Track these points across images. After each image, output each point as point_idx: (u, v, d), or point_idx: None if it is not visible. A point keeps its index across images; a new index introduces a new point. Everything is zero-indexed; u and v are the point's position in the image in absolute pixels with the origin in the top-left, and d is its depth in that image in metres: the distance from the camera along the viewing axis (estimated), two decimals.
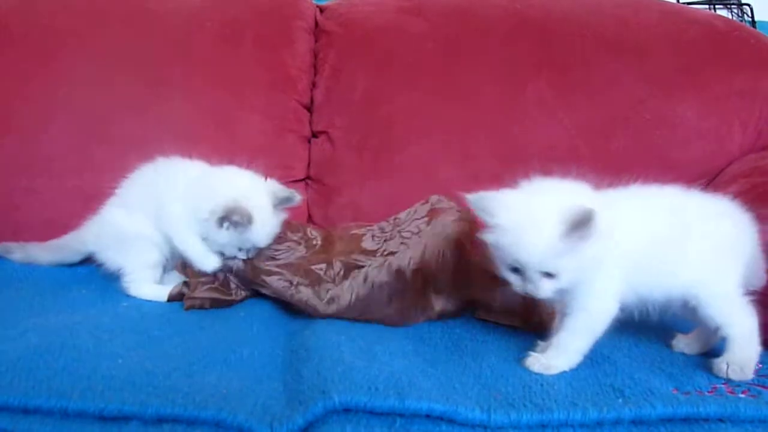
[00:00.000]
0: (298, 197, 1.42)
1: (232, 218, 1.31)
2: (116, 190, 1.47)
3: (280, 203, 1.40)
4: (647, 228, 1.09)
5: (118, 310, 1.28)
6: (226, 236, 1.34)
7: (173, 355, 1.06)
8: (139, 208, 1.42)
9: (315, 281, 1.32)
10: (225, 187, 1.37)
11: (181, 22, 1.82)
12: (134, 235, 1.40)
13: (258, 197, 1.37)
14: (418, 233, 1.35)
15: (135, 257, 1.40)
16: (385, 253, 1.35)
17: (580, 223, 0.99)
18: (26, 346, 1.04)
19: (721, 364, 1.07)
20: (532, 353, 1.09)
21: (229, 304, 1.35)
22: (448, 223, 1.34)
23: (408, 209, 1.46)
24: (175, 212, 1.38)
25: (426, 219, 1.38)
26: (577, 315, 1.07)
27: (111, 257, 1.42)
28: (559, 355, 1.07)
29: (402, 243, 1.35)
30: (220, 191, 1.35)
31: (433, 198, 1.43)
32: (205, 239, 1.37)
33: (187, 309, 1.32)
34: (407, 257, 1.29)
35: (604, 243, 1.02)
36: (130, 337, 1.13)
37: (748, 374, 1.06)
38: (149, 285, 1.40)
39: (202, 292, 1.34)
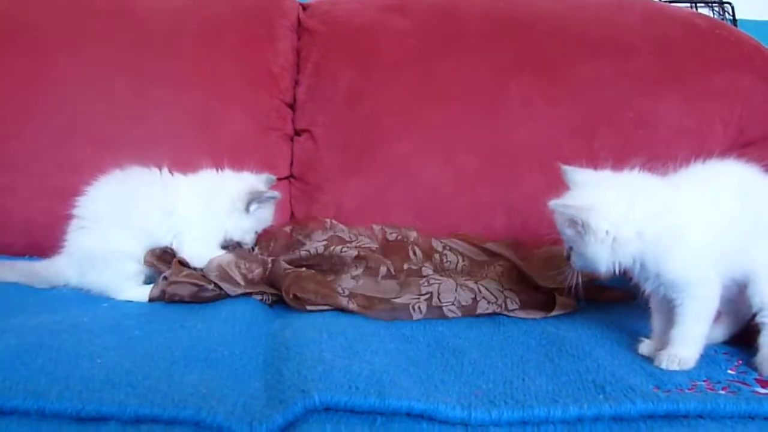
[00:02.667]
0: (273, 176, 1.59)
1: (264, 197, 1.46)
2: (75, 213, 1.44)
3: (266, 183, 1.54)
4: (717, 213, 1.09)
5: (99, 310, 1.27)
6: (250, 221, 1.47)
7: (153, 355, 1.05)
8: (108, 222, 1.41)
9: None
10: (232, 181, 1.50)
11: (163, 21, 1.81)
12: (105, 252, 1.39)
13: (253, 180, 1.52)
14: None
15: (113, 273, 1.39)
16: None
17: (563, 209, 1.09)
18: (4, 346, 1.02)
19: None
20: (660, 352, 1.08)
21: (209, 299, 1.35)
22: None
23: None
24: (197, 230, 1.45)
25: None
26: (686, 304, 1.08)
27: (93, 280, 1.40)
28: (687, 346, 1.07)
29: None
30: (231, 185, 1.48)
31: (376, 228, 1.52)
32: (222, 236, 1.47)
33: (168, 298, 1.33)
34: None
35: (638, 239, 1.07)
36: (110, 337, 1.12)
37: None
38: (132, 289, 1.39)
39: (183, 277, 1.34)
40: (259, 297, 1.36)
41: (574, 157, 1.69)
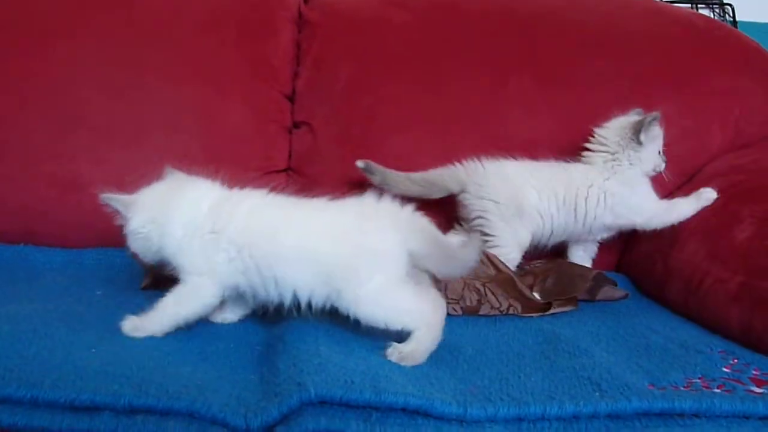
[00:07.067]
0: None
1: (647, 120, 1.51)
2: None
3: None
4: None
5: (93, 299, 1.27)
6: (650, 149, 1.54)
7: (148, 346, 1.05)
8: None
9: None
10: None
11: (162, 10, 1.80)
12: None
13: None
14: None
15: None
16: None
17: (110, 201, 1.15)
18: None
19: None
20: None
21: None
22: None
23: None
24: None
25: None
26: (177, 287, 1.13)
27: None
28: (152, 317, 1.10)
29: None
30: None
31: None
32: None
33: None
34: None
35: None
36: (105, 326, 1.11)
37: None
38: None
39: None
40: None
41: (572, 154, 1.71)
